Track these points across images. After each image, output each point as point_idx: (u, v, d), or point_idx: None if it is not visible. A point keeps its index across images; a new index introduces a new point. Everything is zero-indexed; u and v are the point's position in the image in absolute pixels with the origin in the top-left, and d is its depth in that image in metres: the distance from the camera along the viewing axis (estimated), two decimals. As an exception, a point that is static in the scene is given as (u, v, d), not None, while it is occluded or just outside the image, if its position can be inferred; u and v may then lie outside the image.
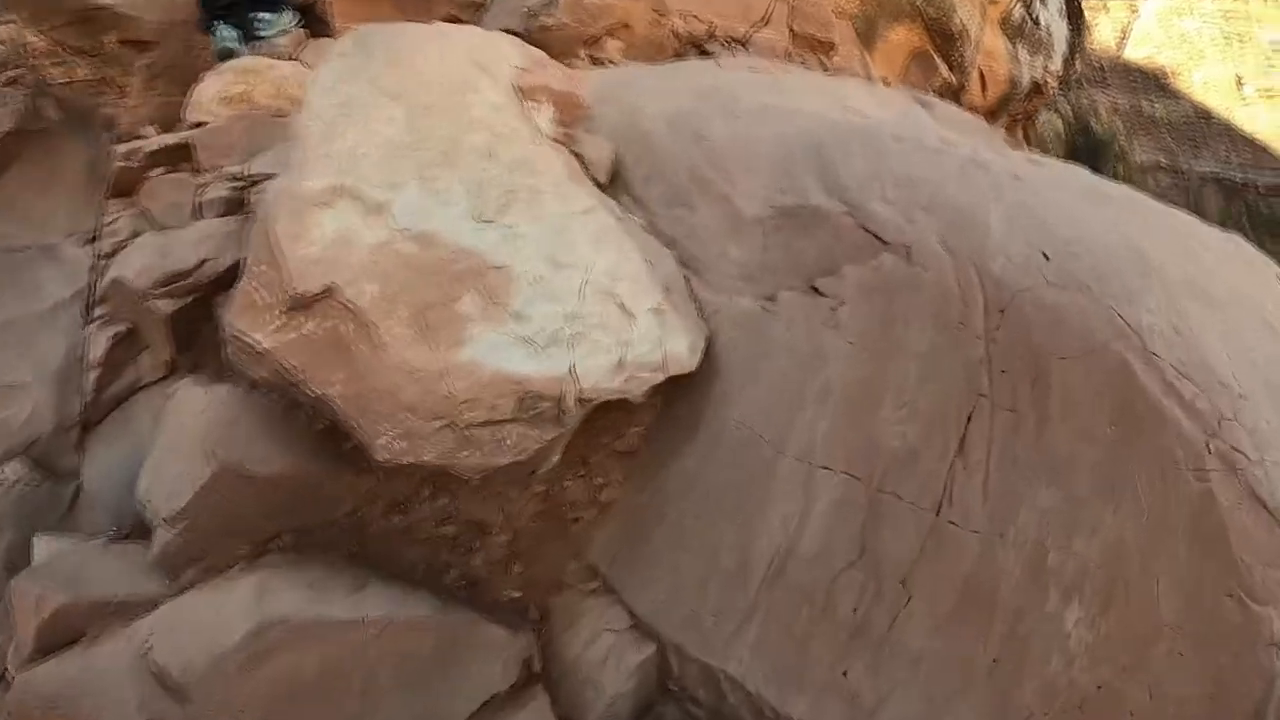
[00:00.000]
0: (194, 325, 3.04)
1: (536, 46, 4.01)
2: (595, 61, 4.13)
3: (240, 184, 3.21)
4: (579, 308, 2.36)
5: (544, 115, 2.84)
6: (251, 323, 2.23)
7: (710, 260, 2.57)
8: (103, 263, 3.66)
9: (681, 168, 2.72)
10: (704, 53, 4.39)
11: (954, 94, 6.23)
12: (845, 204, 2.42)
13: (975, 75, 6.47)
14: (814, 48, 4.75)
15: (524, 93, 2.86)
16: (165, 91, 4.01)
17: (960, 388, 2.22)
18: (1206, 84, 18.18)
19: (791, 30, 4.66)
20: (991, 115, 7.21)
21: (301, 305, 2.23)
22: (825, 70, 4.79)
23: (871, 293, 2.35)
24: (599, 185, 2.75)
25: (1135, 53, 18.48)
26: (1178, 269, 2.31)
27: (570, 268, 2.42)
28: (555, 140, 2.78)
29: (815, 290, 2.42)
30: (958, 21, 5.93)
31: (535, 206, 2.51)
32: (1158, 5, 19.05)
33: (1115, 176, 11.40)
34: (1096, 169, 10.18)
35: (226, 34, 3.82)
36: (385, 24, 2.90)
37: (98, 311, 3.52)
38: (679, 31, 4.29)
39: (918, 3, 5.63)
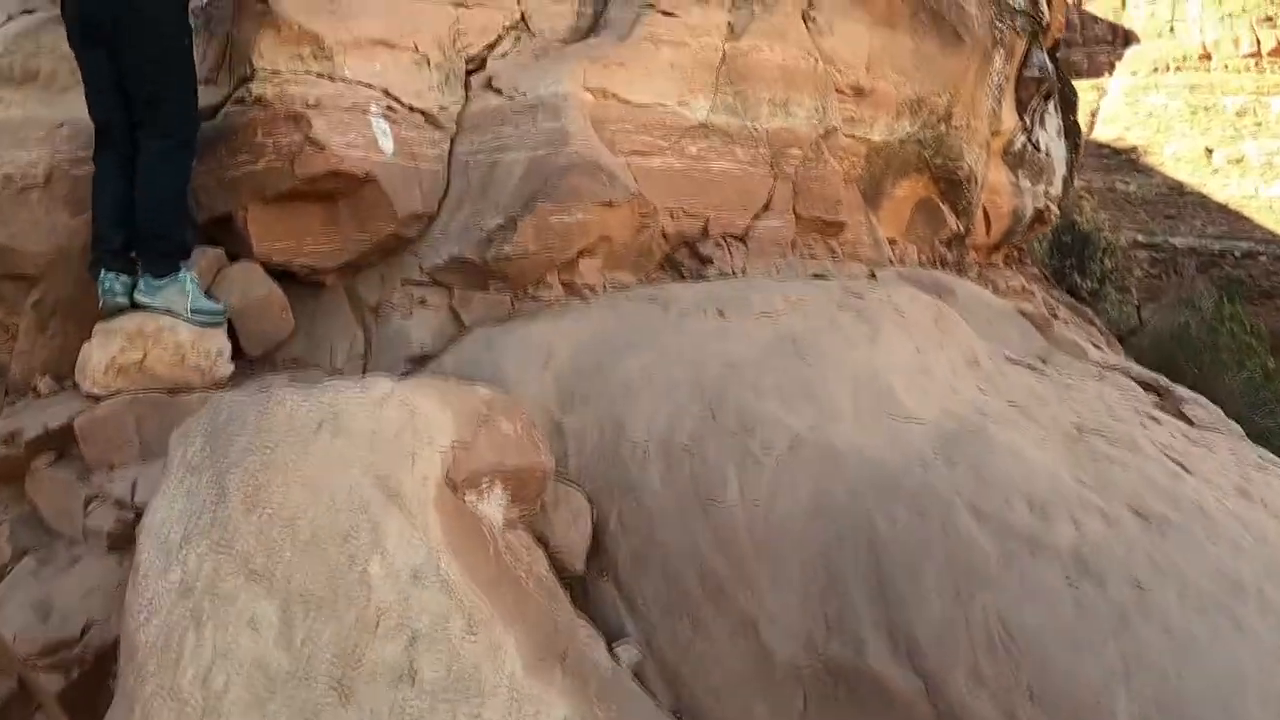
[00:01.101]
0: (89, 698, 2.52)
1: (496, 277, 3.44)
2: (569, 289, 3.53)
3: (127, 514, 2.64)
4: None
5: (492, 502, 2.20)
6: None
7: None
8: None
9: (686, 554, 2.09)
10: (697, 255, 3.80)
11: (959, 240, 5.73)
12: (919, 676, 1.78)
13: (979, 215, 5.99)
14: (821, 231, 4.20)
15: (461, 485, 2.18)
16: (61, 332, 3.34)
17: None
18: (1178, 158, 18.10)
19: (796, 214, 4.10)
20: (994, 250, 6.73)
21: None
22: (834, 257, 4.23)
23: None
24: (573, 575, 2.11)
25: (1105, 132, 18.37)
26: None
27: None
28: (510, 524, 2.15)
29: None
30: (965, 166, 5.44)
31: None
32: (1124, 83, 19.02)
33: (1103, 270, 11.00)
34: (1083, 264, 9.72)
35: (114, 286, 3.15)
36: (245, 402, 2.23)
37: None
38: (668, 232, 3.71)
39: (925, 154, 5.13)
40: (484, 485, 2.20)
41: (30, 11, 3.75)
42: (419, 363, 3.41)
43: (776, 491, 2.18)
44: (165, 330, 3.18)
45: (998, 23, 5.85)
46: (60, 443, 3.10)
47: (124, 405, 3.09)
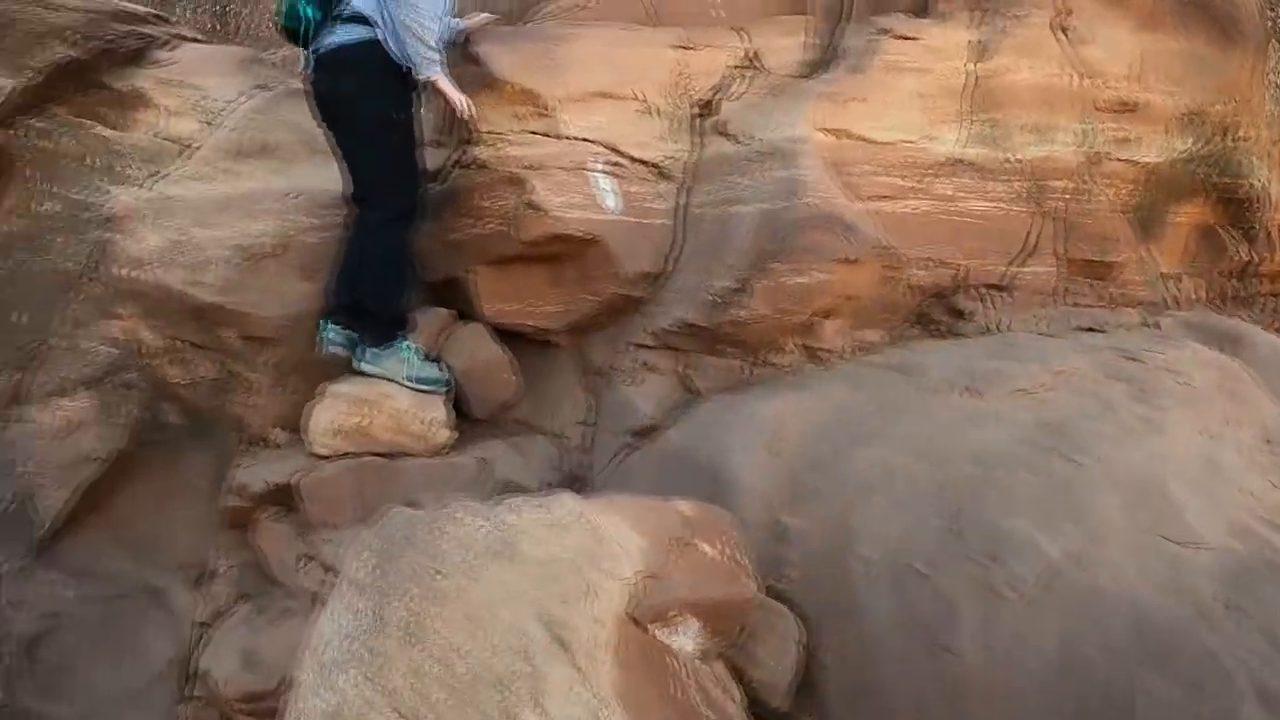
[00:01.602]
0: None
1: (727, 342, 3.17)
2: (808, 354, 3.19)
3: (333, 578, 2.55)
4: None
5: (683, 635, 1.95)
6: None
7: None
8: (201, 634, 3.10)
9: (907, 700, 1.78)
10: (951, 309, 3.37)
11: (1247, 270, 4.93)
12: None
13: (1266, 238, 5.16)
14: (1091, 273, 3.65)
15: (646, 618, 1.94)
16: (296, 389, 3.37)
17: None
18: None
19: (1062, 256, 3.58)
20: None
21: None
22: (1105, 302, 3.67)
23: None
24: (773, 713, 1.80)
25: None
26: None
27: None
28: (704, 655, 1.86)
29: None
30: (1250, 183, 4.66)
31: None
32: None
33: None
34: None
35: (332, 335, 3.17)
36: (418, 520, 2.05)
37: (189, 696, 3.10)
38: (918, 284, 3.30)
39: (1204, 173, 4.42)
40: (674, 618, 1.98)
41: (264, 87, 3.83)
42: (643, 435, 3.19)
43: (1020, 638, 1.82)
44: (386, 397, 3.14)
45: (1269, 11, 5.02)
46: (285, 497, 3.15)
47: (346, 469, 3.11)
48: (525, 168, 3.28)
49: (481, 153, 3.34)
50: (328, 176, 3.41)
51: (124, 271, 3.40)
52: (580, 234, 3.23)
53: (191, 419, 3.44)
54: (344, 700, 1.72)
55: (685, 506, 2.30)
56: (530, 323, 3.44)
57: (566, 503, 2.13)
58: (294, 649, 2.71)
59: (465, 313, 3.49)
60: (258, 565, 3.21)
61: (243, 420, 3.40)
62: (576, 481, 3.21)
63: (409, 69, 3.12)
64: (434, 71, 3.15)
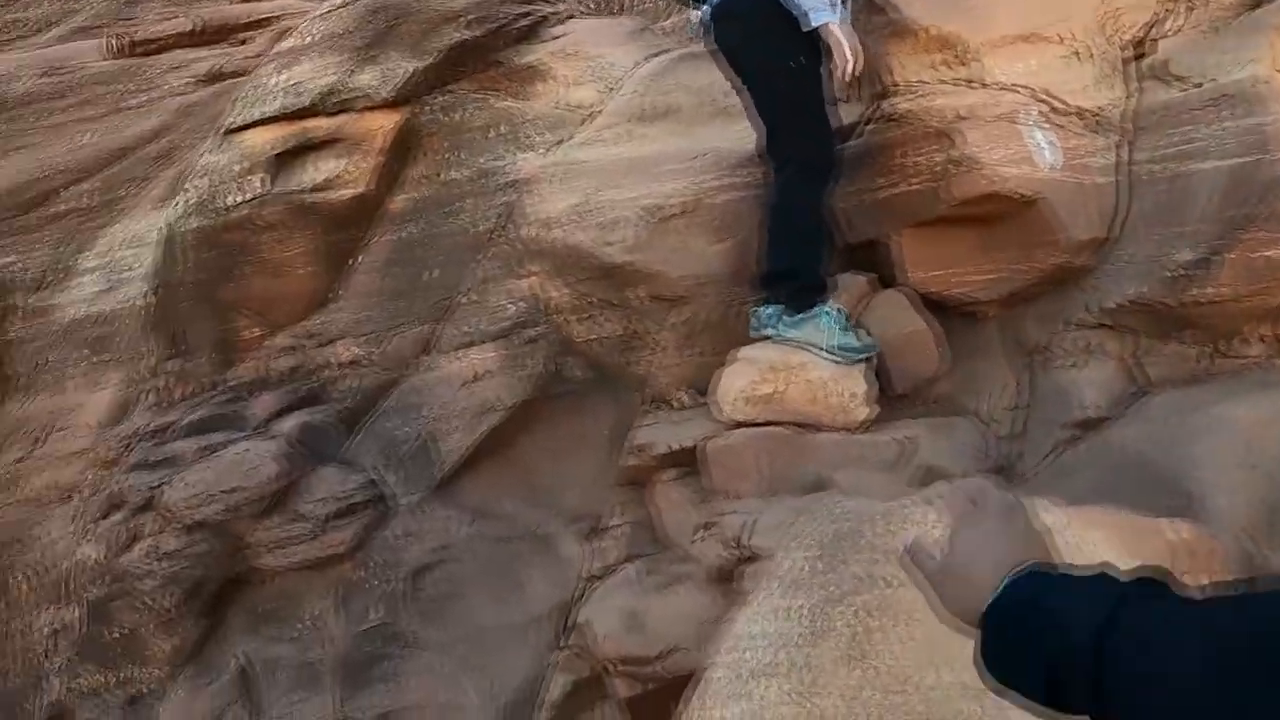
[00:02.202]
0: (655, 712, 2.59)
1: (1186, 326, 2.80)
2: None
3: (734, 552, 2.63)
4: None
5: None
6: None
7: None
8: (585, 588, 3.14)
9: None
10: None
11: None
12: None
13: None
14: None
15: None
16: (703, 351, 3.32)
17: None
18: None
19: None
20: None
21: None
22: None
23: None
24: None
25: None
26: None
27: None
28: None
29: None
30: None
31: None
32: None
33: None
34: None
35: (766, 314, 3.06)
36: (870, 512, 1.82)
37: (565, 645, 3.08)
38: None
39: None
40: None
41: (658, 54, 3.86)
42: (1085, 428, 2.88)
43: None
44: (802, 366, 2.99)
45: None
46: (686, 460, 3.08)
47: (753, 437, 2.99)
48: (952, 120, 3.06)
49: (899, 105, 3.17)
50: (733, 136, 3.36)
51: (533, 231, 3.50)
52: (1019, 193, 2.98)
53: (595, 374, 3.48)
54: (761, 712, 1.53)
55: (1175, 530, 2.00)
56: (957, 292, 3.17)
57: (1042, 509, 1.89)
58: (682, 618, 2.70)
59: (885, 279, 3.30)
60: (650, 525, 3.16)
61: (647, 379, 3.40)
62: (1003, 472, 2.96)
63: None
64: (821, 18, 3.01)
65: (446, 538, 3.26)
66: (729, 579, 2.70)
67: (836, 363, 3.02)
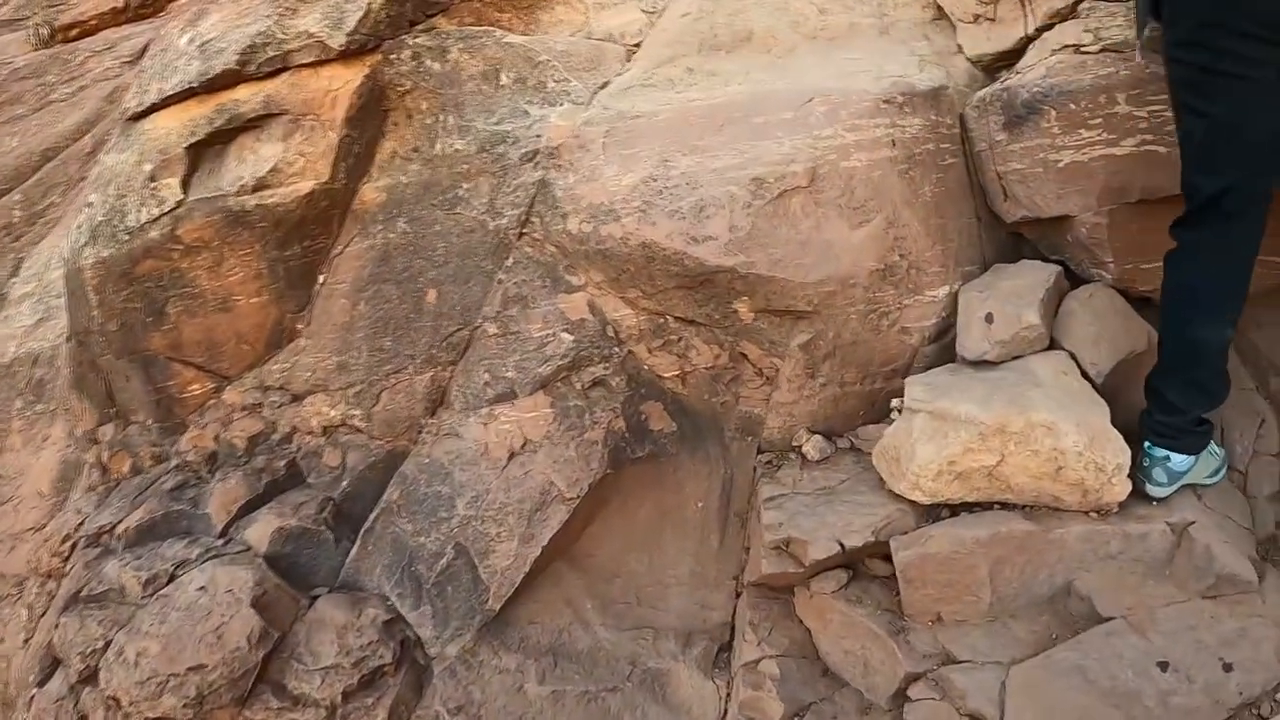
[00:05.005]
0: None
1: None
2: None
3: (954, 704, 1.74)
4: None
5: None
6: None
7: None
8: None
9: None
10: None
11: None
12: None
13: None
14: None
15: None
16: (836, 380, 2.33)
17: None
18: None
19: None
20: None
21: None
22: None
23: None
24: None
25: None
26: None
27: None
28: None
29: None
30: None
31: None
32: None
33: None
34: None
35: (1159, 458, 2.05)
36: None
37: None
38: None
39: None
40: None
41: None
42: None
43: None
44: (1034, 429, 1.98)
45: None
46: (854, 559, 2.15)
47: (978, 543, 2.02)
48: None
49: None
50: (843, 69, 2.31)
51: (580, 225, 2.43)
52: None
53: (686, 422, 2.46)
54: None
55: None
56: None
57: None
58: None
59: (1071, 266, 2.31)
60: (812, 656, 2.19)
61: (760, 421, 2.40)
62: (1274, 554, 2.05)
63: None
64: None
65: (518, 703, 2.24)
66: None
67: (1087, 421, 2.01)
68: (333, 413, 2.76)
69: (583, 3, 2.76)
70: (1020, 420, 1.97)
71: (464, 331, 2.62)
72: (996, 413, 1.99)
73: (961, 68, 2.47)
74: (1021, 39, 2.42)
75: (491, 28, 2.85)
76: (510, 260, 2.57)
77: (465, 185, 2.69)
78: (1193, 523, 2.00)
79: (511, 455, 2.47)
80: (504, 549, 2.42)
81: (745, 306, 2.32)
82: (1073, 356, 2.16)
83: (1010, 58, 2.45)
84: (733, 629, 2.36)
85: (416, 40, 2.85)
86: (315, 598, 2.35)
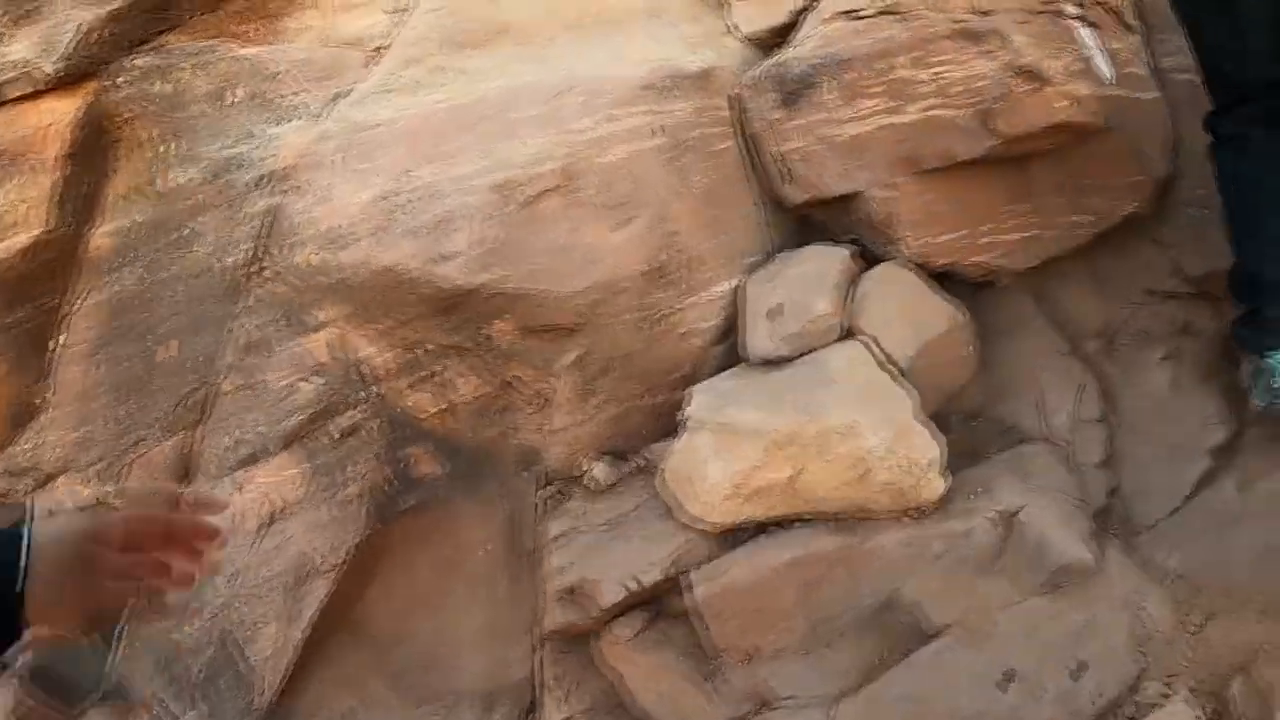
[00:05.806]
0: None
1: None
2: None
3: None
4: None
5: None
6: None
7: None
8: None
9: None
10: None
11: None
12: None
13: None
14: None
15: None
16: (616, 396, 2.06)
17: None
18: None
19: None
20: None
21: None
22: None
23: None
24: None
25: None
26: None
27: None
28: None
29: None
30: None
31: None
32: None
33: None
34: None
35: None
36: None
37: None
38: None
39: None
40: None
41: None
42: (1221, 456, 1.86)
43: None
44: (830, 432, 1.73)
45: None
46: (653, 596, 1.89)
47: (781, 566, 1.80)
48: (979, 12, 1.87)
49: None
50: (604, 56, 2.08)
51: (314, 254, 2.12)
52: (1088, 119, 1.86)
53: (458, 461, 2.14)
54: None
55: None
56: (973, 259, 2.06)
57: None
58: None
59: (864, 246, 2.10)
60: (618, 703, 1.90)
61: (538, 452, 2.10)
62: (1111, 525, 1.87)
63: None
64: None
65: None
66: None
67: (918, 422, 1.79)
68: (85, 492, 2.38)
69: (321, 6, 2.45)
70: (813, 426, 1.74)
71: (203, 390, 2.26)
72: (787, 419, 1.75)
73: (734, 48, 2.26)
74: (795, 11, 2.21)
75: (225, 40, 2.52)
76: (245, 303, 2.23)
77: (197, 221, 2.35)
78: (1021, 508, 1.79)
79: (261, 525, 2.12)
80: (268, 633, 2.08)
81: (507, 327, 2.03)
82: (875, 342, 1.92)
83: (787, 32, 2.25)
84: (534, 685, 2.05)
85: (141, 61, 2.51)
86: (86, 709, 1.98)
